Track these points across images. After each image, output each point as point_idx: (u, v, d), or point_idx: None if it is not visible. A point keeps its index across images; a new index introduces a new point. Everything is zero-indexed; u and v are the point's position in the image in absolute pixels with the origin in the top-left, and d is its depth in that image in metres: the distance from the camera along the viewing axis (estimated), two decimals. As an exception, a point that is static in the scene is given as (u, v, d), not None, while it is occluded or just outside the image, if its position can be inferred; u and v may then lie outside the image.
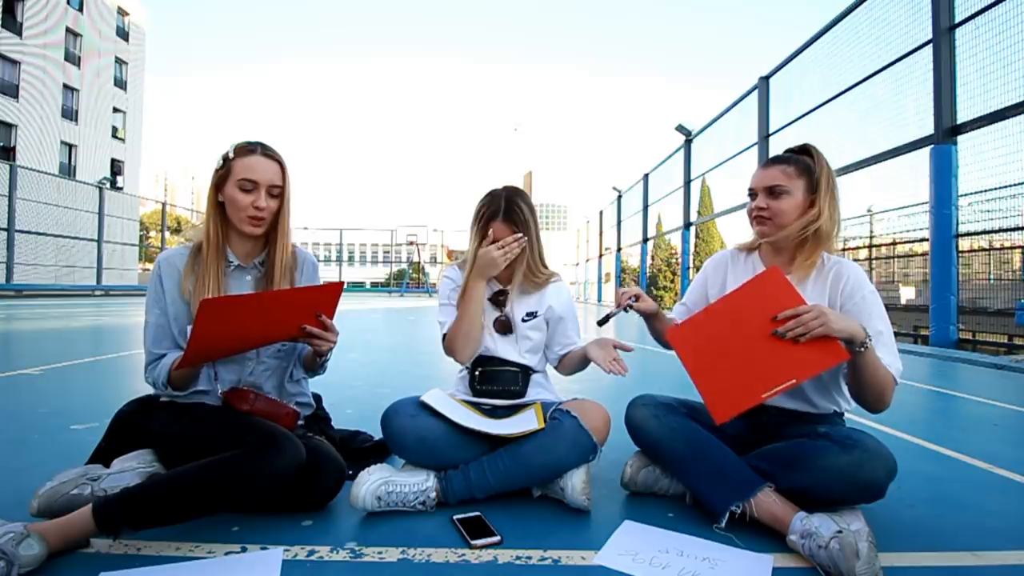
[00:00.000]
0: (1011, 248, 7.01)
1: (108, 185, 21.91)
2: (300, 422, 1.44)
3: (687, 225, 12.81)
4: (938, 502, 1.46)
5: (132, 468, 1.27)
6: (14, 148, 20.14)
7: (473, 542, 1.14)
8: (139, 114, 28.15)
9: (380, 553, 1.10)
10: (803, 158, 1.39)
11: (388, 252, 35.32)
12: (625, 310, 1.44)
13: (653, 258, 19.86)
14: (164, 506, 1.07)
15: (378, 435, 1.56)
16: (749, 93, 9.71)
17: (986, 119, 5.27)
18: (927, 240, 5.96)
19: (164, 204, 25.91)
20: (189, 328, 1.25)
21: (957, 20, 5.56)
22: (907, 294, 9.90)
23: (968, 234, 5.93)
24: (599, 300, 21.68)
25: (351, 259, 40.48)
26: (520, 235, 1.46)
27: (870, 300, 1.30)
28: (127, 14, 26.75)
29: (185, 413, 1.32)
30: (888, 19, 6.46)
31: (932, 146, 5.73)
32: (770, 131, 9.01)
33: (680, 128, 12.67)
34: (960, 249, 5.71)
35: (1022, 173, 5.37)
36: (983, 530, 1.27)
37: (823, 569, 1.04)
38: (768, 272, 1.23)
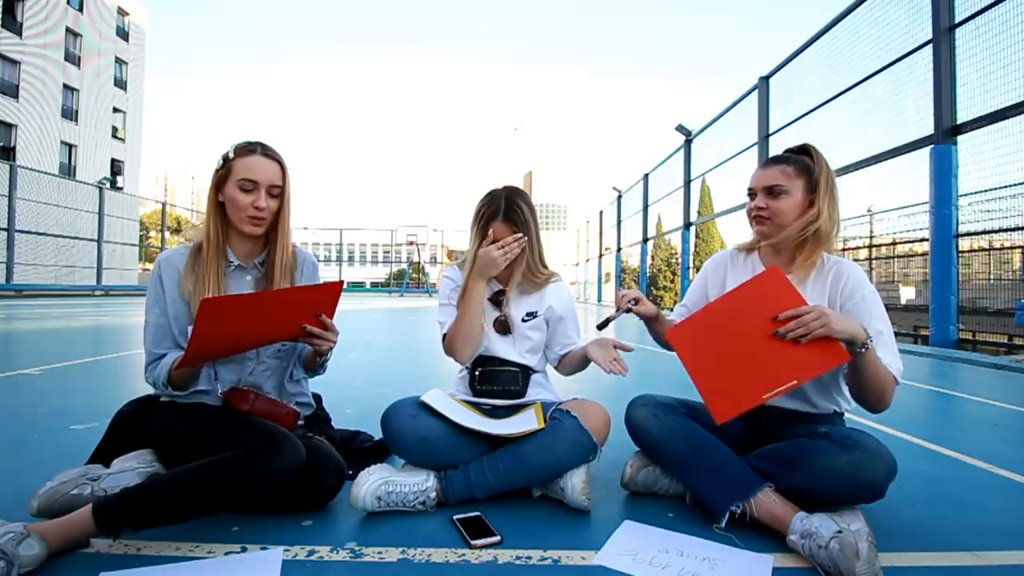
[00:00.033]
0: (1011, 248, 7.01)
1: (108, 185, 21.92)
2: (300, 422, 1.44)
3: (687, 225, 12.81)
4: (938, 502, 1.46)
5: (132, 468, 1.27)
6: (14, 148, 20.14)
7: (473, 542, 1.14)
8: (139, 114, 28.15)
9: (380, 553, 1.10)
10: (802, 158, 1.39)
11: (388, 252, 35.32)
12: (626, 312, 1.44)
13: (653, 258, 19.86)
14: (164, 506, 1.07)
15: (378, 435, 1.56)
16: (749, 93, 9.72)
17: (986, 119, 5.27)
18: (927, 240, 5.96)
19: (164, 204, 25.91)
20: (189, 328, 1.25)
21: (957, 20, 5.56)
22: (907, 294, 9.90)
23: (968, 234, 5.93)
24: (599, 300, 21.68)
25: (351, 259, 40.49)
26: (520, 235, 1.46)
27: (870, 300, 1.30)
28: (127, 14, 26.76)
29: (185, 413, 1.32)
30: (888, 19, 6.46)
31: (932, 146, 5.74)
32: (770, 131, 9.01)
33: (680, 128, 12.67)
34: (960, 249, 5.71)
35: (1022, 173, 5.37)
36: (983, 530, 1.27)
37: (823, 569, 1.04)
38: (769, 272, 1.23)
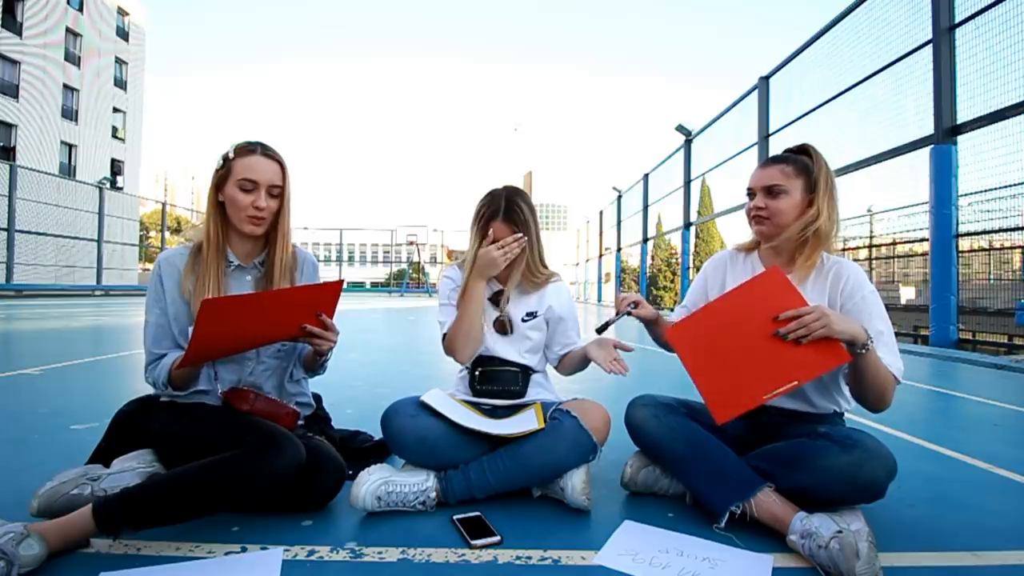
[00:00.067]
0: (1011, 248, 7.01)
1: (108, 185, 21.92)
2: (300, 422, 1.44)
3: (687, 225, 12.81)
4: (938, 502, 1.46)
5: (132, 468, 1.27)
6: (14, 148, 20.14)
7: (473, 542, 1.14)
8: (139, 114, 28.15)
9: (380, 553, 1.10)
10: (801, 158, 1.39)
11: (388, 252, 35.32)
12: (625, 315, 1.44)
13: (653, 258, 19.85)
14: (164, 506, 1.07)
15: (378, 435, 1.56)
16: (749, 93, 9.72)
17: (986, 119, 5.27)
18: (927, 240, 5.97)
19: (164, 204, 25.91)
20: (190, 328, 1.25)
21: (957, 20, 5.56)
22: (907, 294, 9.90)
23: (968, 234, 5.93)
24: (599, 300, 21.68)
25: (351, 259, 40.50)
26: (520, 235, 1.46)
27: (870, 300, 1.30)
28: (127, 14, 26.76)
29: (185, 413, 1.32)
30: (888, 19, 6.46)
31: (932, 146, 5.74)
32: (770, 131, 9.01)
33: (680, 128, 12.67)
34: (960, 249, 5.71)
35: (1022, 173, 5.37)
36: (983, 530, 1.27)
37: (823, 569, 1.04)
38: (769, 272, 1.23)
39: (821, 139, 7.44)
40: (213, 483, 1.08)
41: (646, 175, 16.01)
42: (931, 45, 5.78)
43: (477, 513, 1.26)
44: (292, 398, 1.47)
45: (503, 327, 1.53)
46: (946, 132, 5.59)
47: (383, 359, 4.21)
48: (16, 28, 20.28)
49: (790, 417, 1.39)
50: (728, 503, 1.21)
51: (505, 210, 1.47)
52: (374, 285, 39.02)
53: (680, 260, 14.04)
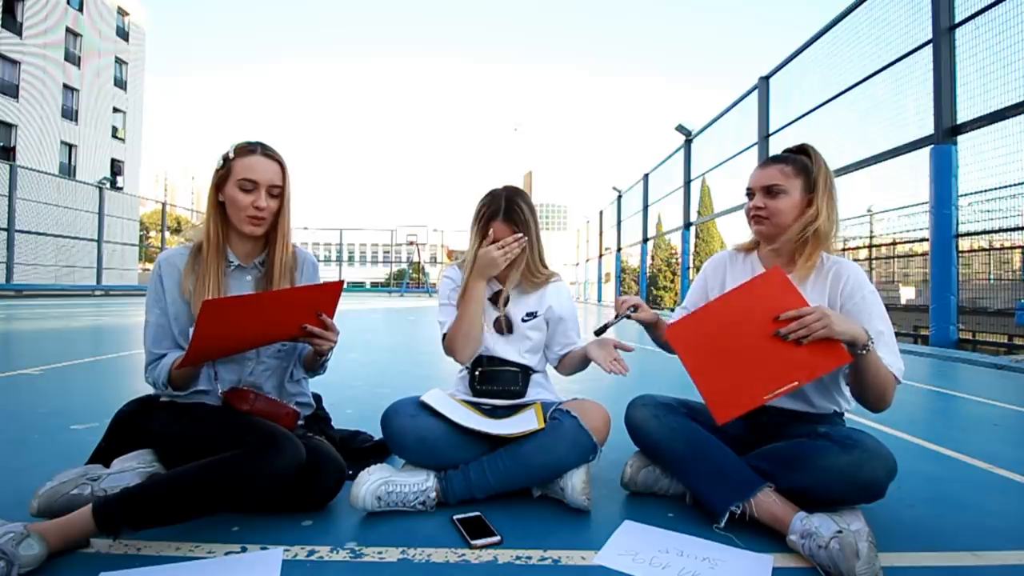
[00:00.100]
0: (1011, 248, 7.01)
1: (108, 185, 21.92)
2: (300, 422, 1.44)
3: (687, 225, 12.81)
4: (938, 502, 1.46)
5: (132, 468, 1.27)
6: (14, 148, 20.14)
7: (473, 542, 1.14)
8: (139, 114, 28.16)
9: (380, 553, 1.10)
10: (800, 158, 1.39)
11: (388, 252, 35.32)
12: (625, 318, 1.43)
13: (653, 258, 19.86)
14: (164, 506, 1.07)
15: (378, 435, 1.56)
16: (749, 93, 9.72)
17: (986, 119, 5.27)
18: (927, 240, 5.97)
19: (164, 204, 25.91)
20: (190, 329, 1.25)
21: (957, 20, 5.56)
22: (907, 294, 9.91)
23: (968, 234, 5.94)
24: (599, 300, 21.68)
25: (351, 259, 40.49)
26: (520, 235, 1.46)
27: (870, 300, 1.30)
28: (127, 14, 26.76)
29: (185, 413, 1.32)
30: (888, 19, 6.46)
31: (932, 146, 5.74)
32: (770, 131, 9.01)
33: (680, 128, 12.67)
34: (960, 249, 5.71)
35: (1022, 173, 5.37)
36: (983, 530, 1.27)
37: (823, 569, 1.04)
38: (771, 272, 1.23)
39: (821, 139, 7.45)
40: (213, 483, 1.08)
41: (646, 175, 16.02)
42: (931, 45, 5.78)
43: (477, 513, 1.26)
44: (292, 398, 1.47)
45: (504, 327, 1.53)
46: (946, 132, 5.59)
47: (383, 359, 4.21)
48: (16, 28, 20.27)
49: (790, 417, 1.39)
50: (728, 503, 1.21)
51: (505, 210, 1.47)
52: (374, 285, 39.02)
53: (680, 260, 14.04)
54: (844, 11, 7.04)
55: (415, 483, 1.30)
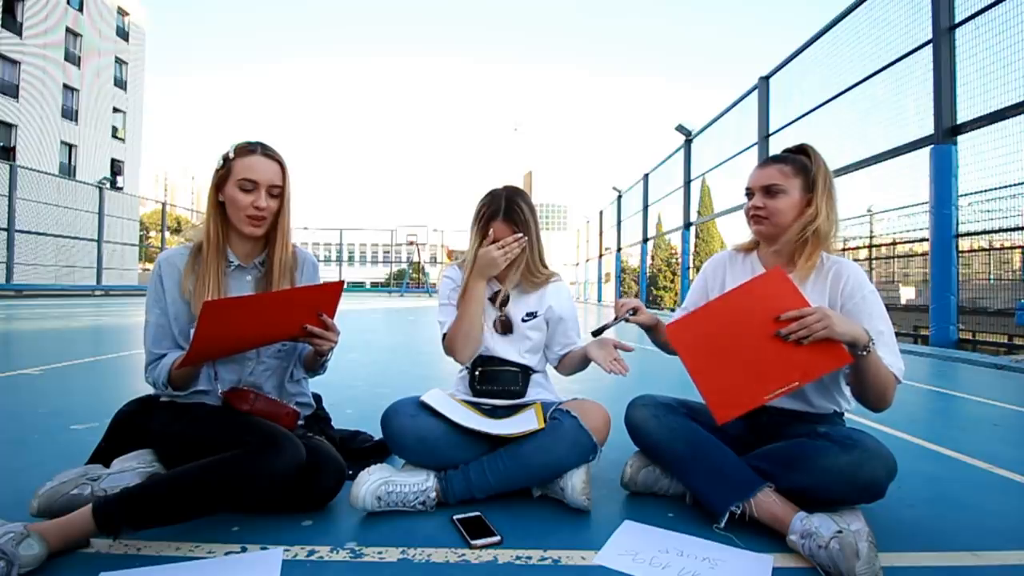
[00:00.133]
0: (1011, 248, 7.01)
1: (108, 185, 21.91)
2: (300, 422, 1.44)
3: (687, 225, 12.81)
4: (938, 502, 1.46)
5: (132, 468, 1.27)
6: (14, 148, 20.14)
7: (473, 542, 1.14)
8: (139, 114, 28.15)
9: (380, 553, 1.10)
10: (800, 157, 1.39)
11: (388, 252, 35.31)
12: (624, 321, 1.43)
13: (653, 258, 19.86)
14: (164, 506, 1.07)
15: (378, 435, 1.56)
16: (749, 93, 9.72)
17: (986, 119, 5.27)
18: (927, 240, 5.96)
19: (164, 204, 25.91)
20: (191, 329, 1.25)
21: (957, 20, 5.56)
22: (907, 294, 9.91)
23: (968, 234, 5.94)
24: (599, 300, 21.68)
25: (351, 259, 40.48)
26: (520, 235, 1.46)
27: (870, 300, 1.30)
28: (127, 14, 26.76)
29: (185, 413, 1.32)
30: (888, 19, 6.46)
31: (932, 146, 5.74)
32: (770, 131, 9.01)
33: (680, 128, 12.67)
34: (960, 249, 5.71)
35: (1022, 173, 5.37)
36: (983, 530, 1.27)
37: (823, 569, 1.04)
38: (772, 272, 1.23)
39: (821, 139, 7.45)
40: (213, 483, 1.08)
41: (646, 175, 16.01)
42: (931, 45, 5.78)
43: (477, 513, 1.26)
44: (292, 398, 1.47)
45: (504, 327, 1.53)
46: (946, 132, 5.59)
47: (383, 359, 4.21)
48: (16, 28, 20.27)
49: (790, 417, 1.39)
50: (728, 503, 1.21)
51: (505, 210, 1.47)
52: (374, 285, 39.01)
53: (680, 260, 14.04)
54: (844, 11, 7.04)
55: (415, 483, 1.30)
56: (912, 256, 9.45)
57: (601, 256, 22.02)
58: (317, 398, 1.62)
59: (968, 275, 6.53)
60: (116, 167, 26.14)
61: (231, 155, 1.31)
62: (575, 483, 1.31)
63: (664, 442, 1.36)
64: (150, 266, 16.38)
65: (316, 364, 1.43)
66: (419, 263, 29.10)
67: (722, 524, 1.21)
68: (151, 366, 1.29)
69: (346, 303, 14.15)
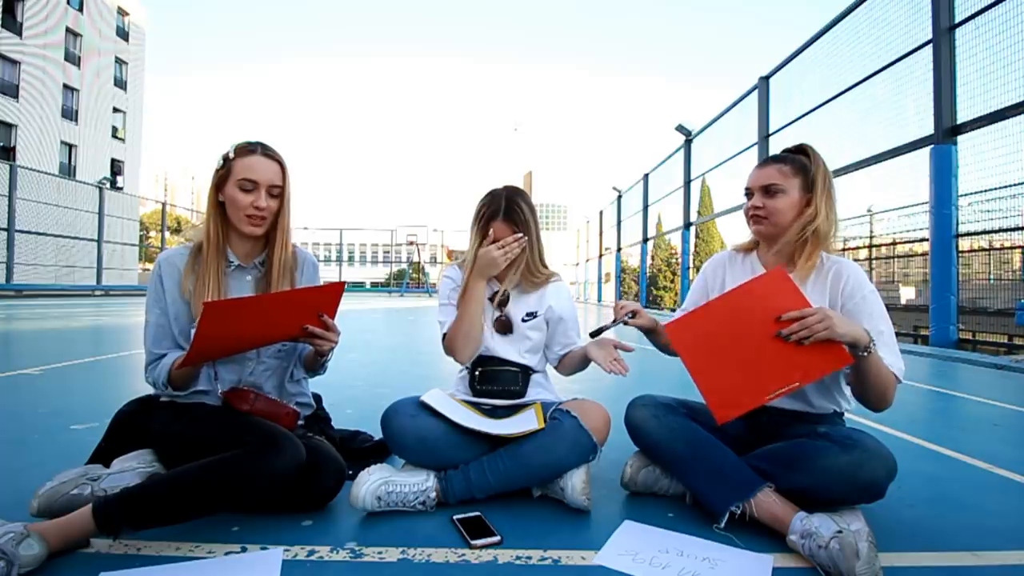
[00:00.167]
0: (1011, 248, 7.01)
1: (108, 185, 21.91)
2: (300, 422, 1.44)
3: (687, 225, 12.81)
4: (938, 502, 1.46)
5: (132, 468, 1.27)
6: (14, 148, 20.14)
7: (473, 542, 1.14)
8: (139, 114, 28.15)
9: (380, 553, 1.10)
10: (799, 157, 1.39)
11: (388, 252, 35.31)
12: (622, 324, 1.43)
13: (653, 258, 19.85)
14: (164, 506, 1.07)
15: (378, 435, 1.56)
16: (749, 93, 9.72)
17: (986, 119, 5.27)
18: (927, 240, 5.96)
19: (164, 204, 25.90)
20: (191, 329, 1.25)
21: (957, 20, 5.56)
22: (907, 294, 9.91)
23: (968, 234, 5.93)
24: (599, 300, 21.68)
25: (351, 259, 40.48)
26: (520, 235, 1.46)
27: (870, 300, 1.30)
28: (127, 14, 26.76)
29: (185, 413, 1.32)
30: (888, 19, 6.46)
31: (932, 146, 5.74)
32: (770, 131, 9.01)
33: (680, 128, 12.67)
34: (960, 249, 5.71)
35: (1022, 173, 5.37)
36: (983, 530, 1.27)
37: (823, 569, 1.04)
38: (773, 272, 1.23)
39: (821, 139, 7.45)
40: (213, 483, 1.08)
41: (646, 175, 16.01)
42: (931, 45, 5.78)
43: (477, 513, 1.26)
44: (292, 398, 1.47)
45: (504, 327, 1.53)
46: (946, 132, 5.59)
47: (383, 359, 4.21)
48: (16, 28, 20.27)
49: (790, 417, 1.39)
50: (728, 503, 1.21)
51: (505, 210, 1.47)
52: (374, 285, 39.01)
53: (680, 260, 14.04)
54: (844, 11, 7.04)
55: (415, 483, 1.30)
56: (912, 256, 9.45)
57: (601, 256, 22.02)
58: (317, 398, 1.62)
59: (968, 275, 6.53)
60: (116, 167, 26.14)
61: (231, 155, 1.31)
62: (575, 483, 1.31)
63: (664, 442, 1.36)
64: (150, 266, 16.39)
65: (316, 364, 1.43)
66: (419, 263, 29.10)
67: (722, 524, 1.21)
68: (151, 366, 1.29)
69: (346, 303, 14.15)
